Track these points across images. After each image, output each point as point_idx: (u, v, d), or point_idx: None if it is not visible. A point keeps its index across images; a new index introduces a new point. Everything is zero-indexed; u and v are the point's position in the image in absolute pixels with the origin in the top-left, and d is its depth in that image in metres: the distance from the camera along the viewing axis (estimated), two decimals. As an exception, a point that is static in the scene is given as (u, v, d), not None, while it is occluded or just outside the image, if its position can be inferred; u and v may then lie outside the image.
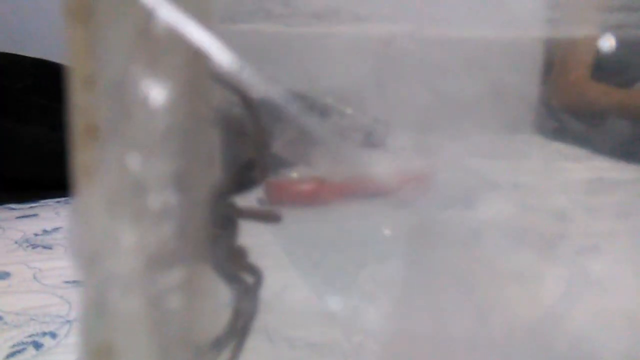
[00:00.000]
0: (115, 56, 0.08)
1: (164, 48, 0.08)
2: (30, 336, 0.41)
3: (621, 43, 0.91)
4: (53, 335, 0.41)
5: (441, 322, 0.38)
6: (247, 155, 0.20)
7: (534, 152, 0.86)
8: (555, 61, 1.00)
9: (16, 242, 0.60)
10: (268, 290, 0.22)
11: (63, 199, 0.73)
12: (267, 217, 0.23)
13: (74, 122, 0.09)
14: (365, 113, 0.81)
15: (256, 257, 0.34)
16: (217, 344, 0.20)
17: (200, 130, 0.09)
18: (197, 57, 0.08)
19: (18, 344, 0.40)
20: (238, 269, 0.22)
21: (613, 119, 0.92)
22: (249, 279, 0.22)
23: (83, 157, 0.09)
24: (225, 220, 0.21)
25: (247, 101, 0.19)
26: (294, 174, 0.66)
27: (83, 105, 0.09)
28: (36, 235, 0.61)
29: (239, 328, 0.21)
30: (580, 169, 0.77)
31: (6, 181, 0.76)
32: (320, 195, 0.65)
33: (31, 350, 0.39)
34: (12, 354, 0.38)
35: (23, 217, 0.68)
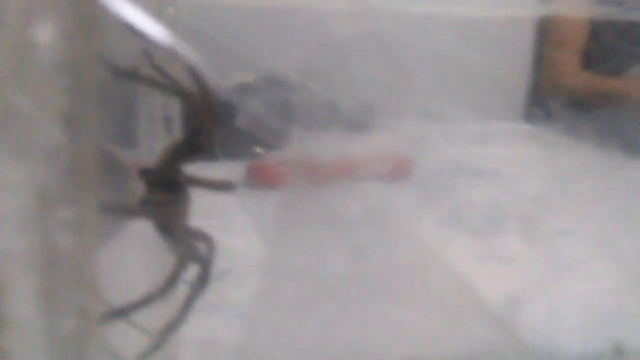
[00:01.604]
0: None
1: None
2: None
3: (612, 30, 0.91)
4: None
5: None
6: (194, 122, 0.20)
7: (519, 139, 0.87)
8: (545, 49, 1.00)
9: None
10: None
11: None
12: (221, 186, 0.23)
13: None
14: (350, 97, 0.81)
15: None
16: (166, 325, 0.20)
17: (89, 70, 0.09)
18: (84, 1, 0.08)
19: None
20: (187, 237, 0.22)
21: (601, 107, 0.92)
22: (202, 247, 0.23)
23: None
24: (173, 186, 0.21)
25: (191, 70, 0.19)
26: (275, 156, 0.66)
27: None
28: None
29: (187, 297, 0.21)
30: (564, 156, 0.77)
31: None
32: (299, 177, 0.65)
33: None
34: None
35: None
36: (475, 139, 0.83)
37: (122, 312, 0.17)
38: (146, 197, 0.20)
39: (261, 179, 0.67)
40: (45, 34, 0.08)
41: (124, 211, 0.19)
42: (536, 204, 0.60)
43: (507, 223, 0.55)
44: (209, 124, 0.19)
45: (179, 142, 0.20)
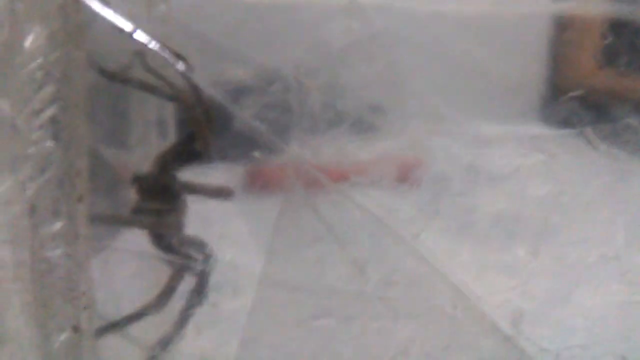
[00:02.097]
0: None
1: None
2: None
3: (630, 27, 0.91)
4: None
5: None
6: (188, 126, 0.20)
7: (533, 142, 0.87)
8: (561, 48, 1.00)
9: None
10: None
11: None
12: (220, 192, 0.23)
13: None
14: (356, 97, 0.81)
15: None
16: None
17: (77, 77, 0.09)
18: (70, 6, 0.09)
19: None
20: (184, 245, 0.22)
21: (622, 107, 0.92)
22: (198, 255, 0.23)
23: None
24: (168, 194, 0.21)
25: (186, 77, 0.19)
26: (276, 160, 0.66)
27: None
28: None
29: (183, 309, 0.22)
30: (581, 158, 0.78)
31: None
32: (300, 183, 0.65)
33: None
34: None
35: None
36: (488, 142, 0.83)
37: (117, 326, 0.18)
38: (139, 206, 0.20)
39: (261, 183, 0.67)
40: (32, 40, 0.09)
41: (117, 221, 0.19)
42: (548, 212, 0.61)
43: (518, 231, 0.55)
44: (204, 128, 0.20)
45: (173, 147, 0.20)
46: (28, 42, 0.08)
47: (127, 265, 0.27)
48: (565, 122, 0.90)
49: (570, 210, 0.61)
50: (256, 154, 0.62)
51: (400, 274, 0.42)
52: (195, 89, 0.19)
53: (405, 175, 0.67)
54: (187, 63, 0.17)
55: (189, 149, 0.20)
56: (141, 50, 0.18)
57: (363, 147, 0.71)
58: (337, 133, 0.69)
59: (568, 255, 0.51)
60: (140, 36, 0.12)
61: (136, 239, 0.21)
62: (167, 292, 0.19)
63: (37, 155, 0.09)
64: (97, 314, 0.14)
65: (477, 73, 0.85)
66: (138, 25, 0.20)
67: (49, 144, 0.09)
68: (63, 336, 0.09)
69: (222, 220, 0.46)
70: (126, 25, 0.11)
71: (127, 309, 0.18)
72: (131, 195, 0.20)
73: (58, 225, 0.09)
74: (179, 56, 0.17)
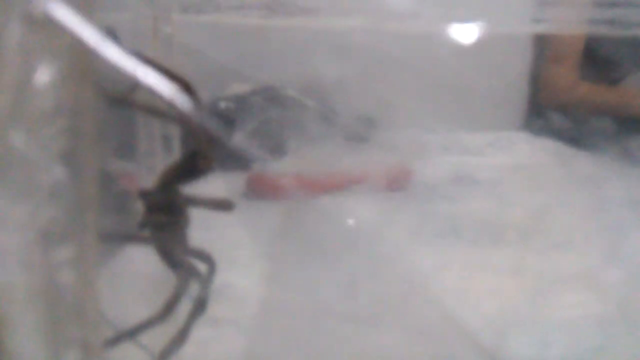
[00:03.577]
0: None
1: (47, 31, 0.09)
2: None
3: (608, 41, 0.92)
4: None
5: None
6: (191, 146, 0.20)
7: (518, 148, 0.87)
8: (542, 63, 1.01)
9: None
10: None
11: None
12: (220, 205, 0.23)
13: None
14: (348, 109, 0.82)
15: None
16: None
17: (87, 110, 0.09)
18: (80, 43, 0.09)
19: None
20: (187, 256, 0.22)
21: (600, 117, 0.93)
22: (201, 266, 0.23)
23: None
24: (172, 208, 0.21)
25: (189, 94, 0.19)
26: (277, 168, 0.67)
27: None
28: None
29: (188, 315, 0.21)
30: (563, 165, 0.78)
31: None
32: (300, 189, 0.65)
33: None
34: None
35: None
36: (475, 149, 0.84)
37: (126, 336, 0.18)
38: (145, 219, 0.20)
39: (261, 190, 0.67)
40: (43, 76, 0.09)
41: (124, 239, 0.19)
42: (534, 215, 0.61)
43: (505, 235, 0.55)
44: (207, 148, 0.20)
45: (177, 164, 0.20)
46: (39, 77, 0.08)
47: (131, 276, 0.27)
48: (550, 130, 0.91)
49: (556, 213, 0.61)
50: (255, 165, 0.62)
51: (392, 286, 0.42)
52: (199, 109, 0.19)
53: (395, 184, 0.67)
54: (194, 94, 0.18)
55: (192, 166, 0.20)
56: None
57: (355, 157, 0.71)
58: (330, 144, 0.69)
59: (554, 258, 0.51)
60: (145, 74, 0.13)
61: (140, 251, 0.21)
62: (172, 303, 0.19)
63: (49, 184, 0.09)
64: (106, 333, 0.14)
65: (465, 89, 0.85)
66: (144, 46, 0.20)
67: (60, 173, 0.09)
68: (73, 354, 0.09)
69: (220, 226, 0.46)
70: (129, 64, 0.11)
71: (133, 319, 0.18)
72: (138, 208, 0.20)
73: (69, 251, 0.09)
74: (185, 86, 0.17)
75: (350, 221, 0.43)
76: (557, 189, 0.66)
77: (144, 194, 0.20)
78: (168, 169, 0.20)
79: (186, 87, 0.17)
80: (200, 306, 0.22)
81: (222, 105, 0.66)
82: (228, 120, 0.60)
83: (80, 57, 0.09)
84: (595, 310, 0.42)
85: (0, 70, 0.08)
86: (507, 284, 0.46)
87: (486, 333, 0.40)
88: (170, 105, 0.18)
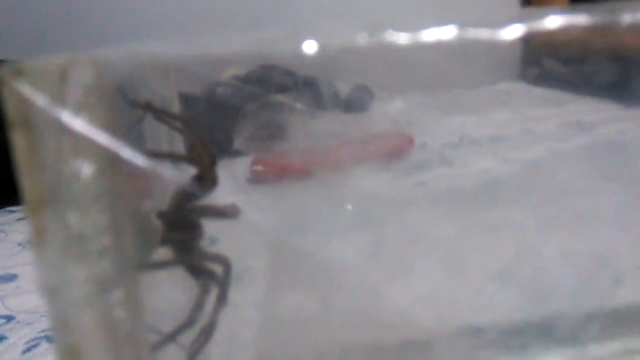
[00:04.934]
0: (51, 143, 0.12)
1: (85, 141, 0.12)
2: (42, 331, 0.46)
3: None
4: (63, 328, 0.45)
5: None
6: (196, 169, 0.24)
7: (514, 100, 0.89)
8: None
9: (19, 244, 0.64)
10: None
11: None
12: (227, 213, 0.26)
13: (27, 196, 0.13)
14: (345, 79, 0.84)
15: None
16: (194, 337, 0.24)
17: (121, 192, 0.12)
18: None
19: (32, 340, 0.44)
20: (205, 262, 0.26)
21: (595, 60, 0.94)
22: (218, 269, 0.27)
23: (37, 220, 0.13)
24: (187, 225, 0.25)
25: (188, 126, 0.23)
26: (278, 149, 0.69)
27: (34, 184, 0.13)
28: (38, 235, 0.65)
29: (212, 312, 0.25)
30: (560, 113, 0.80)
31: (3, 183, 0.80)
32: (306, 166, 0.67)
33: (45, 344, 0.44)
34: (28, 349, 0.43)
35: (23, 219, 0.72)
36: (473, 106, 0.86)
37: (167, 340, 0.21)
38: (166, 237, 0.23)
39: (265, 174, 0.70)
40: (86, 169, 0.12)
41: (160, 266, 0.23)
42: (531, 168, 0.64)
43: (503, 192, 0.58)
44: (211, 170, 0.23)
45: (184, 187, 0.24)
46: (85, 171, 0.12)
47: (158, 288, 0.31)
48: (546, 77, 0.92)
49: (553, 163, 0.63)
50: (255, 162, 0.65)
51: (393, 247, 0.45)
52: (200, 140, 0.22)
53: (397, 153, 0.70)
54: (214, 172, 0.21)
55: (199, 186, 0.23)
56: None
57: (355, 128, 0.73)
58: (329, 116, 0.71)
59: (551, 208, 0.54)
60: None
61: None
62: (197, 309, 0.23)
63: (99, 248, 0.12)
64: (153, 353, 0.17)
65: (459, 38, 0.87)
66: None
67: (107, 240, 0.12)
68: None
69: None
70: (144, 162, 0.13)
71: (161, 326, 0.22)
72: (158, 228, 0.23)
73: (119, 293, 0.12)
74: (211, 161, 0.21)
75: (349, 206, 0.47)
76: (554, 139, 0.69)
77: (162, 215, 0.24)
78: (177, 191, 0.24)
79: (212, 162, 0.21)
80: (221, 303, 0.26)
81: (220, 91, 0.69)
82: (226, 106, 0.63)
83: (112, 154, 0.12)
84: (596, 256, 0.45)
85: (55, 169, 0.12)
86: (504, 241, 0.49)
87: (487, 290, 0.44)
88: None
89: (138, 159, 0.13)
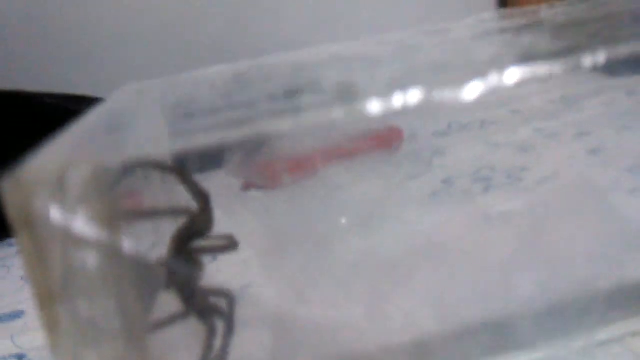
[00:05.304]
0: (54, 242, 0.13)
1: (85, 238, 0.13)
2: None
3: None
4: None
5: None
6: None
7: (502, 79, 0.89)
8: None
9: (23, 279, 0.65)
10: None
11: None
12: (226, 246, 0.27)
13: (36, 291, 0.14)
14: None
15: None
16: None
17: (125, 278, 0.13)
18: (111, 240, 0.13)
19: (47, 377, 0.45)
20: (209, 298, 0.27)
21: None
22: (222, 302, 0.27)
23: (47, 312, 0.13)
24: (189, 265, 0.25)
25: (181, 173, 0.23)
26: (269, 157, 0.70)
27: (41, 280, 0.13)
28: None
29: (220, 349, 0.26)
30: (542, 90, 0.80)
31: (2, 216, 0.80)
32: (309, 165, 0.67)
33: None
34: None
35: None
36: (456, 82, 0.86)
37: None
38: (169, 281, 0.24)
39: (260, 180, 0.71)
40: (90, 261, 0.13)
41: (171, 320, 0.23)
42: (521, 151, 0.65)
43: (495, 179, 0.59)
44: (207, 213, 0.24)
45: (182, 229, 0.25)
46: (90, 262, 0.12)
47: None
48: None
49: (537, 147, 0.64)
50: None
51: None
52: (196, 191, 0.23)
53: (387, 147, 0.70)
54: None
55: (196, 229, 0.24)
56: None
57: (342, 126, 0.74)
58: (315, 115, 0.72)
59: (543, 192, 0.55)
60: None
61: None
62: (207, 351, 0.24)
63: (110, 331, 0.13)
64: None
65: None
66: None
67: (116, 322, 0.13)
68: None
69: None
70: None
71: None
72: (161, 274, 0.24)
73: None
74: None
75: (343, 220, 0.47)
76: (542, 118, 0.69)
77: (162, 260, 0.24)
78: (175, 235, 0.25)
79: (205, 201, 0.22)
80: (228, 337, 0.27)
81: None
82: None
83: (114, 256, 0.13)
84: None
85: (61, 264, 0.13)
86: (502, 230, 0.50)
87: (492, 279, 0.45)
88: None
89: (135, 251, 0.13)
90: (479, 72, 0.21)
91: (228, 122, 0.20)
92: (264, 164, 0.69)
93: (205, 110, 0.25)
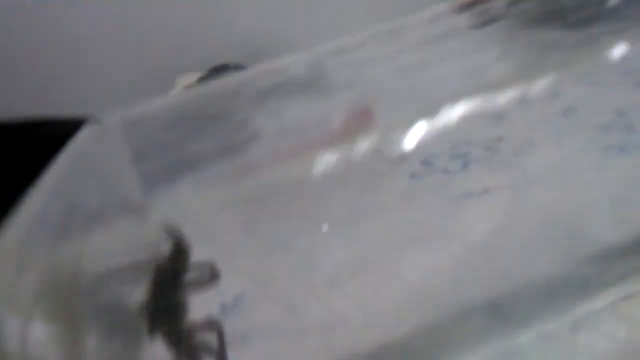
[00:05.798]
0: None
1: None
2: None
3: None
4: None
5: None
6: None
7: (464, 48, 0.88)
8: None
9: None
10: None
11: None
12: (208, 279, 0.27)
13: None
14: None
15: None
16: None
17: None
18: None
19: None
20: (197, 335, 0.26)
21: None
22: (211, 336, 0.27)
23: None
24: (171, 305, 0.25)
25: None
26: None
27: None
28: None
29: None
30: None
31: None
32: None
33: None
34: None
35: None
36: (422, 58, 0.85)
37: None
38: (152, 328, 0.24)
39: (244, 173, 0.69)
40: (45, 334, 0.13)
41: None
42: (494, 120, 0.64)
43: (473, 153, 0.58)
44: (183, 253, 0.24)
45: (161, 271, 0.24)
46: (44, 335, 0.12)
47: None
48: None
49: (512, 116, 0.64)
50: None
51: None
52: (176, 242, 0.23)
53: (359, 129, 0.69)
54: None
55: (174, 270, 0.24)
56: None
57: (311, 109, 0.72)
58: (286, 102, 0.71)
59: (521, 162, 0.55)
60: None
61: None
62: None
63: None
64: None
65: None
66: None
67: None
68: None
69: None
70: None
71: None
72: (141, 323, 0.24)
73: None
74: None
75: (325, 226, 0.47)
76: (511, 88, 0.69)
77: (143, 308, 0.24)
78: (154, 278, 0.24)
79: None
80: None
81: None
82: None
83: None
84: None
85: None
86: (484, 207, 0.50)
87: (478, 259, 0.45)
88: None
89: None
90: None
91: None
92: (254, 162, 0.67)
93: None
